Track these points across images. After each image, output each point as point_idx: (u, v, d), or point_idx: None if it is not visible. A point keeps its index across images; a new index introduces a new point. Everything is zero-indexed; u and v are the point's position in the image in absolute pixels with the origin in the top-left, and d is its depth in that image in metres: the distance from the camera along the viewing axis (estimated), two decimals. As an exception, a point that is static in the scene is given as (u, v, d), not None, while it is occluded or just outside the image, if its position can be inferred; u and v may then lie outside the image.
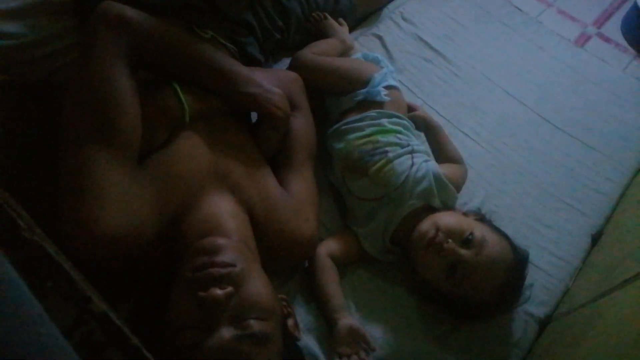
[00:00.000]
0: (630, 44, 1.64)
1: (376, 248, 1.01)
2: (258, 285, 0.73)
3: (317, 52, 1.16)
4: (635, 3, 1.57)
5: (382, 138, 1.03)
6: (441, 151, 1.12)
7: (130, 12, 0.84)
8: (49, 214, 0.68)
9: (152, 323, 0.73)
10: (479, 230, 0.92)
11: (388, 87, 1.11)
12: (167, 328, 0.69)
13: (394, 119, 1.07)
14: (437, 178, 1.00)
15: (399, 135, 1.05)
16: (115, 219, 0.73)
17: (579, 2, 1.76)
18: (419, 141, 1.10)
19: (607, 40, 1.66)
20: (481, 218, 1.00)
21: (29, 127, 0.98)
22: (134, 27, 0.83)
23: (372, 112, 1.07)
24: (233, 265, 0.71)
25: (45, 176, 0.80)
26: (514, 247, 0.95)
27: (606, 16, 1.73)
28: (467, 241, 0.91)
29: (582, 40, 1.64)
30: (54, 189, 0.74)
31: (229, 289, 0.68)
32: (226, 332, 0.66)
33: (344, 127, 1.07)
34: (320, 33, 1.28)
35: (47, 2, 1.00)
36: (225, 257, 0.72)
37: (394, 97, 1.11)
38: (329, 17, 1.30)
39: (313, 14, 1.30)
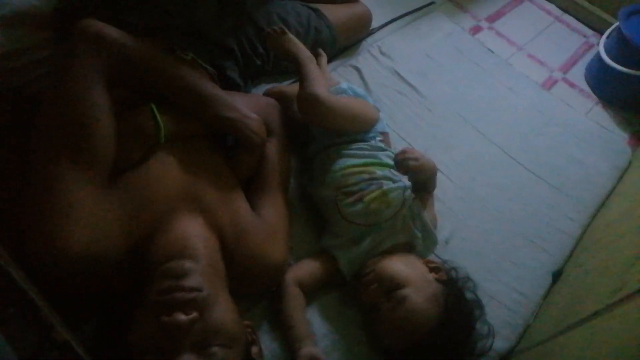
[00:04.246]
0: (593, 91, 1.72)
1: (353, 272, 1.02)
2: (224, 312, 0.72)
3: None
4: (598, 53, 1.66)
5: (379, 171, 1.05)
6: None
7: (110, 30, 0.84)
8: (13, 229, 0.67)
9: (114, 346, 0.71)
10: (408, 291, 0.91)
11: (382, 133, 1.14)
12: (130, 352, 0.68)
13: (388, 152, 1.10)
14: (422, 221, 1.05)
15: (392, 171, 1.07)
16: (82, 237, 0.71)
17: (547, 47, 1.84)
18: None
19: (572, 85, 1.73)
20: (437, 269, 0.99)
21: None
22: (113, 45, 0.84)
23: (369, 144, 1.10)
24: (199, 290, 0.70)
25: (12, 190, 0.78)
26: (452, 317, 0.92)
27: (571, 62, 1.82)
28: (389, 293, 0.93)
29: (549, 84, 1.71)
30: (20, 203, 0.73)
31: (194, 314, 0.67)
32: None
33: (341, 150, 1.08)
34: (282, 52, 1.13)
35: (27, 14, 1.00)
36: (191, 281, 0.71)
37: (386, 143, 1.15)
38: (287, 31, 1.14)
39: (271, 27, 1.15)
